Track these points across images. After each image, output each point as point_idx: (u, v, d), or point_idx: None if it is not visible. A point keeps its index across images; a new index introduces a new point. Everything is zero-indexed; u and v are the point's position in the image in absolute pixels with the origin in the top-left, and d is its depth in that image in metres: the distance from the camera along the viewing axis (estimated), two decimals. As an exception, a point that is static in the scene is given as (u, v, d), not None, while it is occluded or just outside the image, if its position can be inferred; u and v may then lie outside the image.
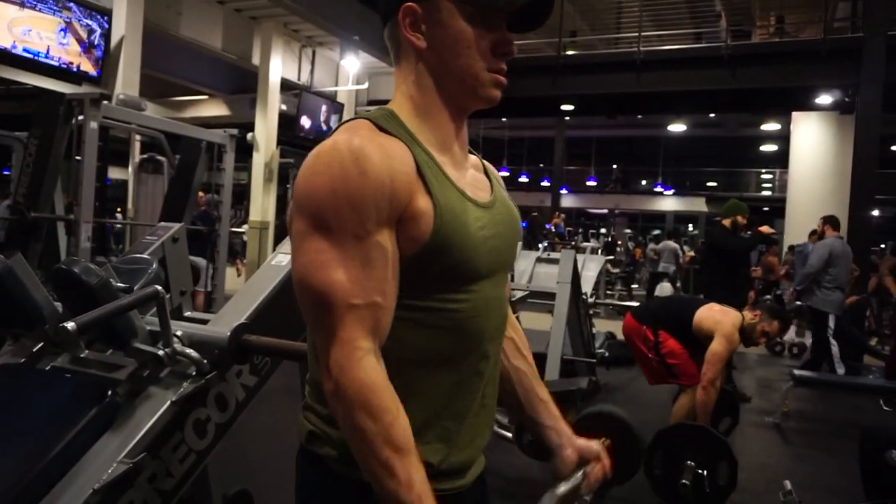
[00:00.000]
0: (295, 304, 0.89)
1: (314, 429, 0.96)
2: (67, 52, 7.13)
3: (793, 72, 9.53)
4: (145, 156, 7.11)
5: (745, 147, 24.44)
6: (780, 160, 19.10)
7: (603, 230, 19.09)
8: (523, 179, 25.20)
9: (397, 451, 0.82)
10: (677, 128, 21.23)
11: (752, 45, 10.71)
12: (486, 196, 1.00)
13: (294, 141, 10.74)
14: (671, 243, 12.35)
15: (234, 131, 5.95)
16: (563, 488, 1.05)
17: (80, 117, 4.44)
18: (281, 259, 1.82)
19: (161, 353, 1.57)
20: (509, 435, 3.13)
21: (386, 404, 0.83)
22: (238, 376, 1.71)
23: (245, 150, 9.64)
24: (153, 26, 8.73)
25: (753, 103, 12.92)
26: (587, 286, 5.43)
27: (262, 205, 10.41)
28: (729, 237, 5.36)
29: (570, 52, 11.64)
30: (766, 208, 20.75)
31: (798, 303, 6.28)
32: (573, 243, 12.75)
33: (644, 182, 27.52)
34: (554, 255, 6.17)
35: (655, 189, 25.76)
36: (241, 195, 12.77)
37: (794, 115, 12.03)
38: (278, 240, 7.41)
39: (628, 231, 19.11)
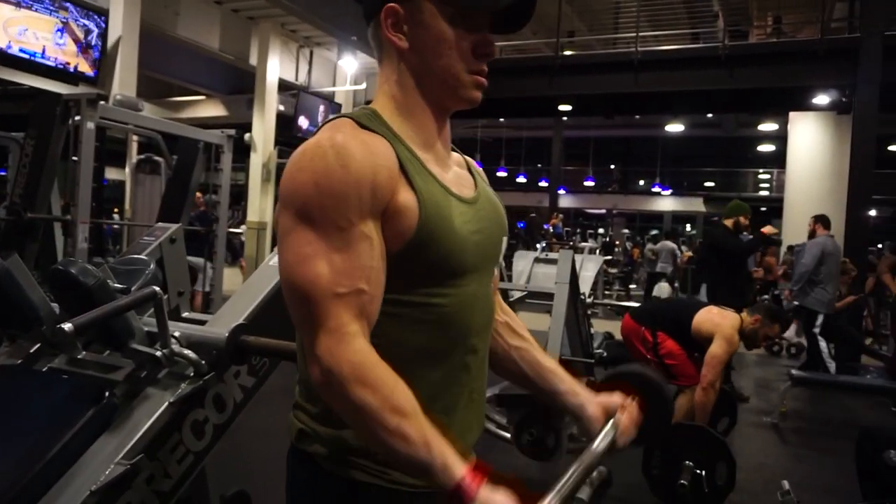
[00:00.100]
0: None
1: (304, 427, 0.96)
2: (64, 52, 7.12)
3: (790, 72, 9.54)
4: (142, 156, 7.12)
5: (743, 147, 24.46)
6: (778, 160, 19.12)
7: (601, 230, 19.13)
8: (521, 180, 25.25)
9: (405, 416, 0.81)
10: (675, 128, 21.21)
11: (750, 46, 10.71)
12: (471, 192, 1.00)
13: (292, 141, 10.72)
14: (669, 243, 12.36)
15: (232, 132, 5.95)
16: (598, 444, 1.03)
17: (77, 118, 4.44)
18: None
19: (159, 353, 1.56)
20: (508, 435, 3.12)
21: (383, 377, 0.82)
22: (236, 377, 1.71)
23: (242, 151, 9.65)
24: (150, 26, 8.73)
25: (751, 103, 12.93)
26: (585, 286, 5.41)
27: (260, 205, 10.41)
28: (730, 238, 5.36)
29: (567, 53, 11.65)
30: (763, 208, 20.74)
31: (796, 303, 6.31)
32: (571, 244, 12.77)
33: (642, 182, 27.54)
34: (552, 255, 6.16)
35: (653, 189, 25.78)
36: (239, 196, 12.79)
37: (792, 115, 12.04)
38: (276, 240, 7.37)
39: (626, 231, 19.13)
